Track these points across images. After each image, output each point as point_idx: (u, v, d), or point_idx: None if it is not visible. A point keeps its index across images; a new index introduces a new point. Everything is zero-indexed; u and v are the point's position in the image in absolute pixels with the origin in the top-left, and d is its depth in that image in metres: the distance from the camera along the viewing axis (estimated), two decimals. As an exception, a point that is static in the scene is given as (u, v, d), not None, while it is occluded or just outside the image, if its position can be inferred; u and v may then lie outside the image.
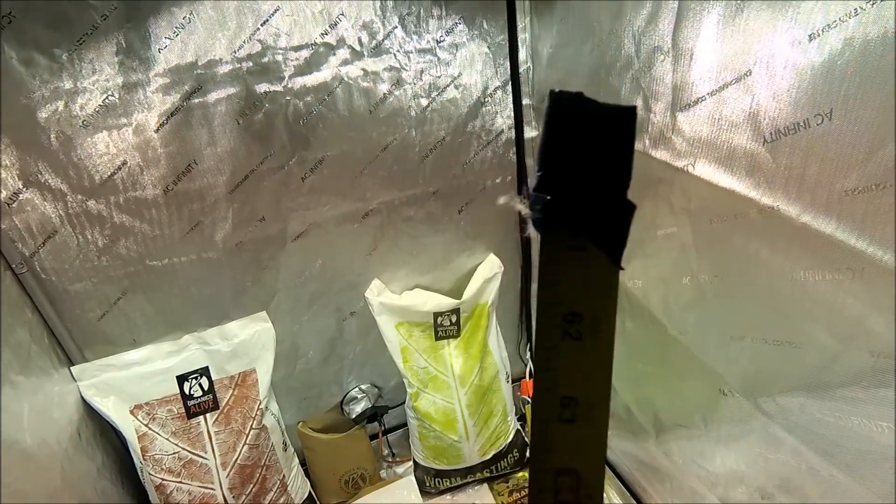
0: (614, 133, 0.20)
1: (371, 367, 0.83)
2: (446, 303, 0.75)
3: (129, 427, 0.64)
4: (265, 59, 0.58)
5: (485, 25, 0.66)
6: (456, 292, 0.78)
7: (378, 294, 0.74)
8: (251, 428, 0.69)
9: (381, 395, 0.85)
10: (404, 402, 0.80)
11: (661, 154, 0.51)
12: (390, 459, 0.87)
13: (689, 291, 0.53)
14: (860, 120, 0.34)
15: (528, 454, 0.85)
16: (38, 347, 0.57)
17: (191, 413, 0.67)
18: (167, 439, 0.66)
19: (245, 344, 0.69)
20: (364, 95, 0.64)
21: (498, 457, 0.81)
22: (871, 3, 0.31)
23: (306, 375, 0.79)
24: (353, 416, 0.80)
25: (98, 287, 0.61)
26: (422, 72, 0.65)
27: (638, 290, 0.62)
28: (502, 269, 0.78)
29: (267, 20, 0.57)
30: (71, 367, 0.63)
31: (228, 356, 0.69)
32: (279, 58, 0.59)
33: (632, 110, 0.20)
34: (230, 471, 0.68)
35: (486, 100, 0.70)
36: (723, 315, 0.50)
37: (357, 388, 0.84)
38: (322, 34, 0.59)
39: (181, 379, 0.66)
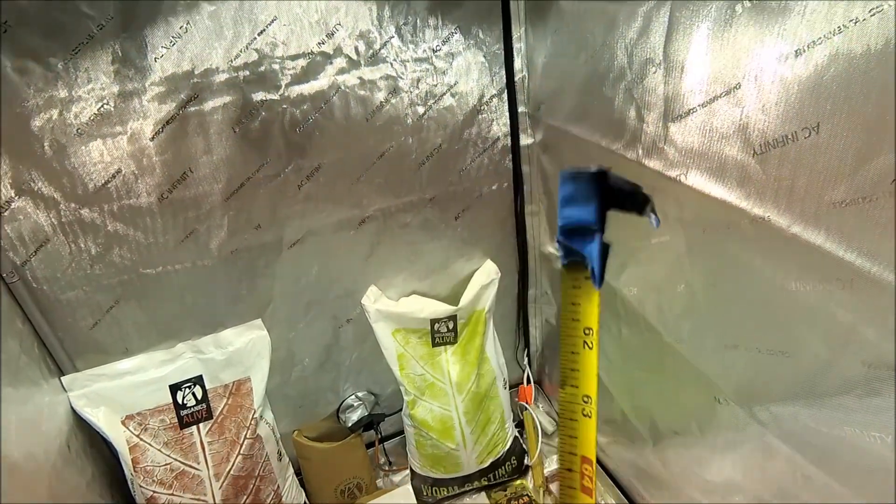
0: (594, 193, 0.31)
1: (367, 375, 0.82)
2: (443, 309, 0.75)
3: (120, 438, 0.63)
4: (262, 68, 0.58)
5: (480, 35, 0.67)
6: (453, 298, 0.78)
7: (375, 301, 0.74)
8: (245, 438, 0.69)
9: (377, 402, 0.84)
10: (401, 410, 0.79)
11: (654, 164, 0.52)
12: (387, 468, 0.86)
13: (683, 299, 0.53)
14: (846, 134, 0.34)
15: (527, 460, 0.84)
16: (28, 358, 0.56)
17: (184, 423, 0.66)
18: (159, 450, 0.65)
19: (240, 352, 0.69)
20: (361, 104, 0.64)
21: (496, 465, 0.80)
22: (853, 21, 0.32)
23: (302, 383, 0.78)
24: (350, 425, 0.79)
25: (90, 296, 0.61)
26: (418, 80, 0.66)
27: (633, 298, 0.62)
28: (499, 275, 0.79)
29: (264, 30, 0.57)
30: (61, 378, 0.62)
31: (223, 364, 0.68)
32: (276, 67, 0.59)
33: (602, 173, 0.29)
34: (223, 482, 0.67)
35: (483, 108, 0.71)
36: (717, 323, 0.50)
37: (353, 396, 0.83)
38: (319, 43, 0.60)
39: (174, 388, 0.66)
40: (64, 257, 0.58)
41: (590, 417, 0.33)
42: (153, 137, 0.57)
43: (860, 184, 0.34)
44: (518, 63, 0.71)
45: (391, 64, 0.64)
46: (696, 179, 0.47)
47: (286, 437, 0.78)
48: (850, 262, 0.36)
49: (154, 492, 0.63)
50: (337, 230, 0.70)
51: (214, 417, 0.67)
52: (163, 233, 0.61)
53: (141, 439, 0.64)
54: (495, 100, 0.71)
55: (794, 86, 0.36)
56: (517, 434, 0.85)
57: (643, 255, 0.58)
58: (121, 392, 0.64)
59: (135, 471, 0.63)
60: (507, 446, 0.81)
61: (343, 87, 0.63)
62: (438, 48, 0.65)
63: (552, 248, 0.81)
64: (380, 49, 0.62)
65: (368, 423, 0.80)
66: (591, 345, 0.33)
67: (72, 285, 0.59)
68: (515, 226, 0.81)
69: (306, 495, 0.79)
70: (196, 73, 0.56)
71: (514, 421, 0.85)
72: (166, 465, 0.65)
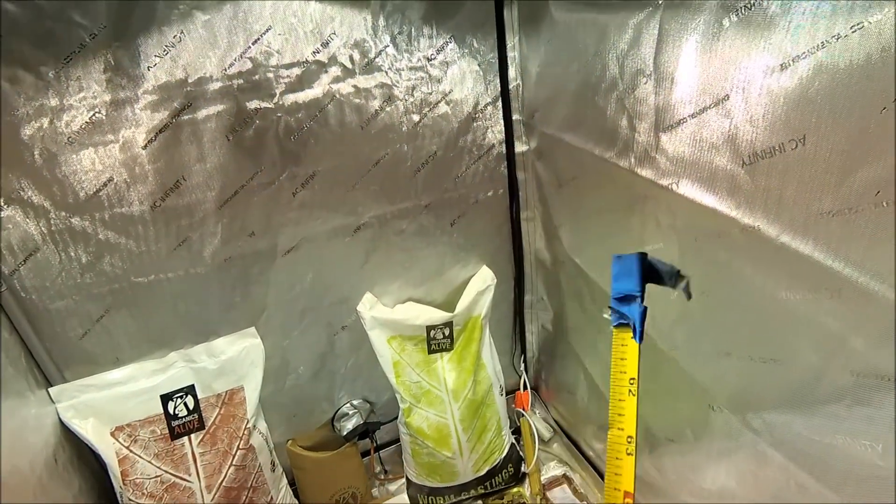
0: (637, 270, 0.43)
1: (363, 382, 0.82)
2: (439, 316, 0.75)
3: (109, 450, 0.62)
4: (256, 77, 0.58)
5: (475, 44, 0.68)
6: (449, 305, 0.78)
7: (370, 308, 0.74)
8: (238, 448, 0.68)
9: (373, 410, 0.83)
10: (397, 418, 0.79)
11: (646, 172, 0.53)
12: (382, 477, 0.85)
13: (676, 307, 0.54)
14: (832, 146, 0.35)
15: (524, 468, 0.84)
16: (14, 369, 0.55)
17: (175, 434, 0.65)
18: (149, 462, 0.64)
19: (233, 361, 0.68)
20: (356, 112, 0.64)
21: (492, 472, 0.80)
22: (835, 37, 0.33)
23: (296, 391, 0.78)
24: (345, 433, 0.78)
25: (80, 305, 0.60)
26: (413, 88, 0.66)
27: (627, 305, 0.62)
28: (495, 281, 0.79)
29: (258, 39, 0.57)
30: (49, 389, 0.61)
31: (215, 374, 0.67)
32: (270, 75, 0.59)
33: (642, 255, 0.43)
34: (215, 494, 0.66)
35: (477, 115, 0.71)
36: (710, 331, 0.50)
37: (348, 404, 0.82)
38: (314, 52, 0.60)
39: (165, 398, 0.65)
40: (54, 266, 0.57)
41: (632, 455, 0.41)
42: (146, 146, 0.57)
43: (846, 195, 0.35)
44: (512, 71, 0.72)
45: (386, 72, 0.64)
46: (688, 188, 0.48)
47: (280, 447, 0.77)
48: (838, 271, 0.36)
49: (144, 505, 0.62)
50: (332, 237, 0.70)
51: (206, 428, 0.66)
52: (155, 241, 0.61)
53: (131, 451, 0.63)
54: (490, 107, 0.72)
55: (780, 98, 0.37)
56: (514, 441, 0.84)
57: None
58: (110, 403, 0.63)
59: (124, 483, 0.62)
60: (504, 454, 0.81)
61: (338, 96, 0.63)
62: (433, 57, 0.66)
63: (548, 254, 0.81)
64: (375, 58, 0.63)
65: (364, 431, 0.79)
66: (634, 392, 0.43)
67: (61, 294, 0.58)
68: (511, 232, 0.81)
69: (300, 506, 0.78)
70: (190, 81, 0.56)
71: (510, 428, 0.85)
72: (157, 477, 0.63)
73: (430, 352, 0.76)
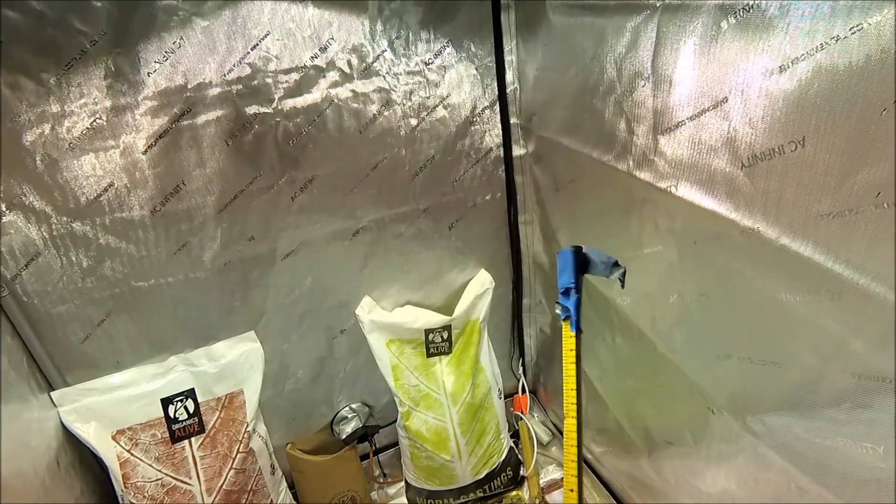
0: (572, 262, 0.47)
1: (362, 386, 0.82)
2: (437, 319, 0.75)
3: (110, 453, 0.62)
4: (255, 82, 0.59)
5: (472, 48, 0.68)
6: (447, 308, 0.78)
7: (369, 311, 0.74)
8: (238, 451, 0.68)
9: (371, 413, 0.83)
10: (395, 422, 0.79)
11: (644, 175, 0.52)
12: (381, 480, 0.85)
13: (675, 309, 0.54)
14: (832, 148, 0.35)
15: (522, 471, 0.84)
16: (17, 374, 0.56)
17: (175, 437, 0.65)
18: (150, 465, 0.64)
19: (232, 364, 0.68)
20: (354, 116, 0.65)
21: (491, 476, 0.79)
22: (834, 39, 0.33)
23: (295, 395, 0.78)
24: (344, 437, 0.78)
25: (81, 309, 0.60)
26: (411, 93, 0.66)
27: (626, 307, 0.62)
28: (493, 284, 0.79)
29: (257, 44, 0.58)
30: (51, 393, 0.61)
31: (215, 377, 0.67)
32: (269, 80, 0.59)
33: (577, 249, 0.46)
34: (215, 497, 0.66)
35: (475, 119, 0.71)
36: (709, 333, 0.50)
37: (347, 408, 0.82)
38: (312, 57, 0.60)
39: (166, 402, 0.65)
40: (55, 271, 0.58)
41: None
42: (146, 151, 0.57)
43: (846, 196, 0.34)
44: (510, 75, 0.72)
45: (384, 77, 0.64)
46: (687, 191, 0.48)
47: (279, 450, 0.77)
48: (838, 273, 0.36)
49: (144, 508, 0.62)
50: (331, 241, 0.70)
51: (207, 431, 0.67)
52: (155, 245, 0.61)
53: (132, 454, 0.63)
54: (487, 111, 0.72)
55: (779, 100, 0.37)
56: (512, 444, 0.84)
57: (636, 265, 0.58)
58: (111, 406, 0.63)
59: (125, 486, 0.62)
60: (503, 457, 0.80)
61: (336, 100, 0.63)
62: (431, 61, 0.66)
63: (546, 257, 0.81)
64: (372, 62, 0.63)
65: (363, 435, 0.79)
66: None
67: (63, 299, 0.59)
68: (509, 235, 0.81)
69: (300, 509, 0.78)
70: (189, 87, 0.56)
71: (509, 431, 0.84)
72: (157, 480, 0.64)
73: (429, 355, 0.76)
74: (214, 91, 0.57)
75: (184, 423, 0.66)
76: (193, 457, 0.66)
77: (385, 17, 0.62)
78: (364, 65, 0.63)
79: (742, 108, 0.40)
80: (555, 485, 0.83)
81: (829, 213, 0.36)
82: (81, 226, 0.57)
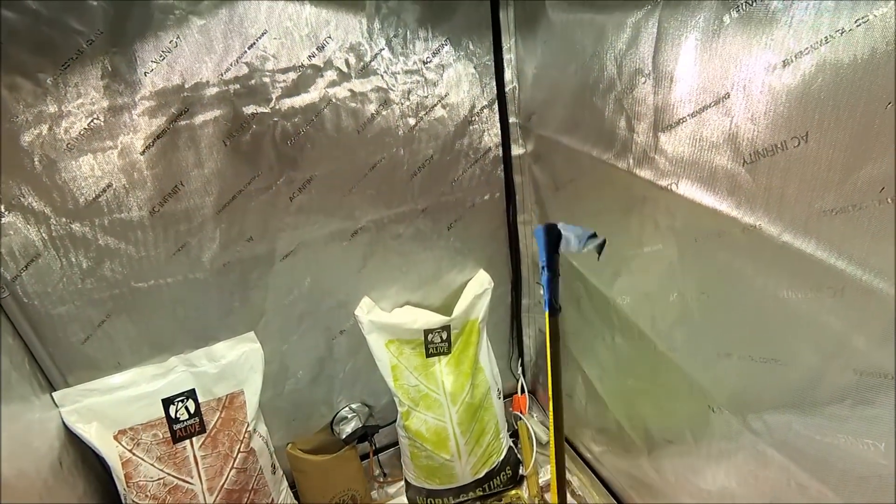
0: (544, 242, 0.43)
1: (361, 386, 0.82)
2: (436, 320, 0.75)
3: (112, 453, 0.62)
4: (252, 82, 0.58)
5: (471, 46, 0.67)
6: (446, 309, 0.78)
7: (368, 312, 0.74)
8: (239, 451, 0.68)
9: (371, 413, 0.83)
10: (395, 421, 0.79)
11: (644, 173, 0.52)
12: (381, 480, 0.85)
13: (676, 308, 0.53)
14: (835, 143, 0.34)
15: (522, 470, 0.84)
16: (18, 374, 0.56)
17: (177, 437, 0.65)
18: (152, 465, 0.64)
19: (233, 365, 0.68)
20: (352, 116, 0.64)
21: (490, 475, 0.79)
22: (839, 32, 0.32)
23: (295, 396, 0.78)
24: (344, 437, 0.78)
25: (82, 310, 0.60)
26: (409, 92, 0.66)
27: (626, 306, 0.62)
28: (492, 284, 0.78)
29: (254, 43, 0.57)
30: (52, 393, 0.61)
31: (215, 378, 0.68)
32: (266, 80, 0.59)
33: (550, 226, 0.43)
34: (217, 496, 0.66)
35: (474, 119, 0.71)
36: (710, 332, 0.50)
37: (347, 408, 0.82)
38: (309, 56, 0.60)
39: (167, 402, 0.65)
40: (55, 272, 0.58)
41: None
42: (144, 151, 0.57)
43: (849, 192, 0.34)
44: (508, 74, 0.71)
45: (382, 76, 0.64)
46: (687, 188, 0.47)
47: (280, 450, 0.77)
48: (841, 269, 0.36)
49: (146, 507, 0.63)
50: (329, 242, 0.70)
51: (208, 431, 0.67)
52: (154, 246, 0.61)
53: (133, 454, 0.63)
54: (486, 111, 0.71)
55: (782, 95, 0.37)
56: (512, 444, 0.84)
57: (636, 264, 0.57)
58: (113, 407, 0.63)
59: (127, 486, 0.63)
60: (502, 456, 0.80)
61: (334, 100, 0.63)
62: (429, 60, 0.65)
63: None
64: (370, 61, 0.63)
65: (363, 434, 0.79)
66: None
67: (63, 300, 0.59)
68: (508, 235, 0.81)
69: (301, 508, 0.78)
70: (186, 87, 0.56)
71: (508, 431, 0.84)
72: (159, 479, 0.64)
73: (428, 355, 0.76)
74: (212, 91, 0.57)
75: (185, 423, 0.66)
76: (195, 456, 0.66)
77: (383, 16, 0.61)
78: (362, 64, 0.62)
79: (744, 103, 0.40)
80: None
81: (832, 209, 0.35)
82: (80, 227, 0.57)
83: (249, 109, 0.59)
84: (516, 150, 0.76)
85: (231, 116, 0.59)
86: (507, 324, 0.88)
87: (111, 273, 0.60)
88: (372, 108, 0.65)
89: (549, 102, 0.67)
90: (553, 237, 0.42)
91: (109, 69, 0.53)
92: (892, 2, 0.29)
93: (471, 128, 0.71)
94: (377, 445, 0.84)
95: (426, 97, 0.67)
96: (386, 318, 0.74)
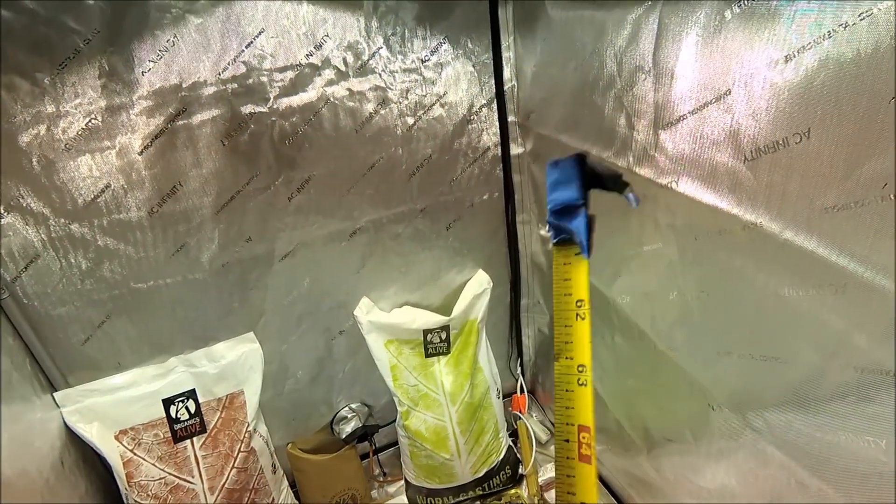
0: (576, 174, 0.36)
1: (361, 386, 0.82)
2: (435, 320, 0.75)
3: (113, 453, 0.63)
4: (250, 81, 0.58)
5: (469, 45, 0.67)
6: (445, 309, 0.77)
7: (367, 312, 0.74)
8: (239, 451, 0.68)
9: (371, 413, 0.83)
10: (395, 421, 0.79)
11: (644, 171, 0.52)
12: (381, 479, 0.85)
13: (676, 307, 0.53)
14: (838, 139, 0.34)
15: (521, 469, 0.84)
16: (20, 374, 0.56)
17: (177, 437, 0.66)
18: (153, 464, 0.64)
19: (232, 365, 0.68)
20: (350, 115, 0.64)
21: (490, 474, 0.80)
22: (843, 26, 0.32)
23: (295, 396, 0.78)
24: (344, 436, 0.78)
25: (82, 311, 0.60)
26: (407, 91, 0.66)
27: (626, 306, 0.62)
28: (491, 284, 0.78)
29: (251, 42, 0.57)
30: (53, 394, 0.61)
31: (215, 378, 0.68)
32: (264, 79, 0.59)
33: (580, 157, 0.37)
34: (218, 495, 0.66)
35: (472, 117, 0.70)
36: (710, 330, 0.50)
37: (347, 408, 0.82)
38: (307, 55, 0.60)
39: (167, 402, 0.65)
40: (54, 273, 0.58)
41: (585, 386, 0.35)
42: (142, 151, 0.57)
43: (852, 188, 0.34)
44: (507, 72, 0.71)
45: (380, 75, 0.64)
46: (688, 186, 0.47)
47: (280, 450, 0.77)
48: (843, 266, 0.35)
49: (148, 507, 0.63)
50: (328, 242, 0.69)
51: (208, 431, 0.67)
52: (153, 247, 0.61)
53: (135, 454, 0.64)
54: (485, 109, 0.71)
55: (784, 91, 0.36)
56: (511, 444, 0.84)
57: (636, 264, 0.57)
58: (114, 407, 0.63)
59: (129, 486, 0.63)
60: (502, 456, 0.80)
61: (332, 99, 0.62)
62: (427, 58, 0.65)
63: (544, 257, 0.80)
64: (368, 60, 0.62)
65: (362, 434, 0.79)
66: (583, 316, 0.36)
67: (63, 301, 0.59)
68: (507, 235, 0.80)
69: (302, 507, 0.78)
70: (184, 86, 0.56)
71: (507, 430, 0.84)
72: (160, 479, 0.64)
73: (428, 355, 0.76)
74: (209, 90, 0.57)
75: (185, 423, 0.66)
76: (195, 456, 0.66)
77: (380, 14, 0.61)
78: (360, 62, 0.62)
79: (745, 100, 0.39)
80: (553, 483, 0.83)
81: (835, 206, 0.35)
82: (79, 227, 0.57)
83: (247, 109, 0.59)
84: (515, 149, 0.76)
85: (229, 116, 0.59)
86: (506, 324, 0.88)
87: (110, 274, 0.60)
88: (370, 107, 0.64)
89: (548, 101, 0.67)
90: (588, 171, 0.36)
91: (107, 69, 0.53)
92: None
93: (469, 127, 0.71)
94: (377, 445, 0.84)
95: (424, 96, 0.67)
96: (385, 319, 0.74)
